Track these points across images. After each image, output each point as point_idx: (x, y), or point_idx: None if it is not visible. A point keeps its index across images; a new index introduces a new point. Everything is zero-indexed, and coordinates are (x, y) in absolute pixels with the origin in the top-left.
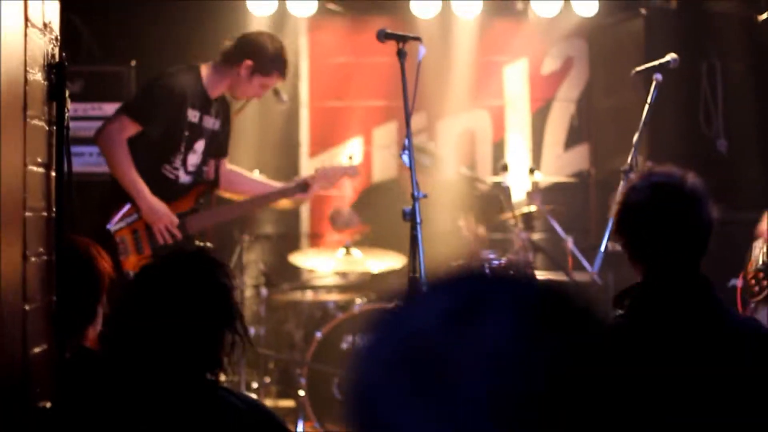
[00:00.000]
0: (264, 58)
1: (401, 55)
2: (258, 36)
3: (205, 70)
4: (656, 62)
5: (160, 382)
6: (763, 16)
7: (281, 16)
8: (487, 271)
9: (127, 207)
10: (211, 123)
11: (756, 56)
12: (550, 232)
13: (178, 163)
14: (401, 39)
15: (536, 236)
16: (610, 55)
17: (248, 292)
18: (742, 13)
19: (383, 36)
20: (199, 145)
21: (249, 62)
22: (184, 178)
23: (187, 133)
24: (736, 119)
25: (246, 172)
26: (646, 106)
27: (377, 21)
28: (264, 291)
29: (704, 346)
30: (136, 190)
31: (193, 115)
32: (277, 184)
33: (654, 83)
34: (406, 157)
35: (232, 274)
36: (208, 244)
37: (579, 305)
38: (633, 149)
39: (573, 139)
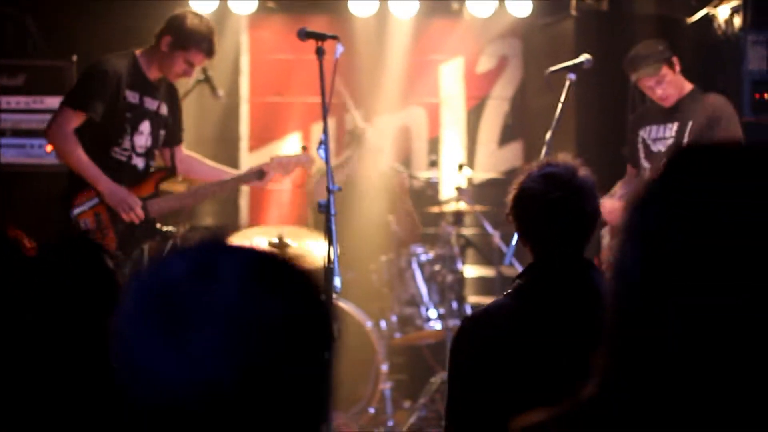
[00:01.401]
0: (182, 32)
1: (320, 53)
2: (180, 14)
3: (139, 53)
4: (570, 63)
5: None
6: (693, 18)
7: (222, 13)
8: (225, 240)
9: (86, 191)
10: (156, 105)
11: (685, 58)
12: (481, 227)
13: (126, 144)
14: (320, 38)
15: (467, 231)
16: (543, 55)
17: None
18: (671, 15)
19: (303, 35)
20: (145, 126)
21: (168, 37)
22: (135, 160)
23: (129, 114)
24: None
25: (202, 158)
26: (559, 105)
27: (316, 19)
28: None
29: (575, 321)
30: (93, 176)
31: (132, 96)
32: (233, 172)
33: (567, 83)
34: (322, 152)
35: (116, 259)
36: (171, 228)
37: (298, 273)
38: (545, 146)
39: (507, 136)
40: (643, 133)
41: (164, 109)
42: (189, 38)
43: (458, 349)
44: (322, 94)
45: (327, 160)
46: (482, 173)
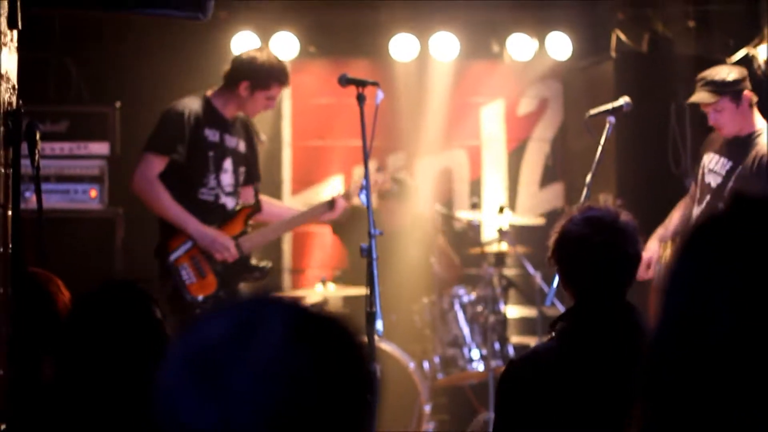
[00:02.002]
0: (259, 74)
1: (360, 99)
2: (248, 55)
3: (210, 93)
4: (609, 106)
5: (98, 421)
6: (732, 59)
7: None
8: (265, 295)
9: (179, 236)
10: (234, 143)
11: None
12: (522, 267)
13: (212, 183)
14: (360, 84)
15: (509, 272)
16: (584, 97)
17: None
18: (711, 56)
19: (344, 81)
20: (228, 164)
21: (246, 82)
22: (224, 199)
23: (211, 153)
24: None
25: (269, 198)
26: (599, 148)
27: (357, 63)
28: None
29: (621, 364)
30: (183, 221)
31: (212, 134)
32: (300, 209)
33: (607, 126)
34: (363, 197)
35: (160, 308)
36: (267, 263)
37: (339, 329)
38: (586, 188)
39: (548, 178)
40: (706, 159)
41: (242, 146)
42: (268, 77)
43: (505, 392)
44: (363, 139)
45: (369, 205)
46: (523, 215)
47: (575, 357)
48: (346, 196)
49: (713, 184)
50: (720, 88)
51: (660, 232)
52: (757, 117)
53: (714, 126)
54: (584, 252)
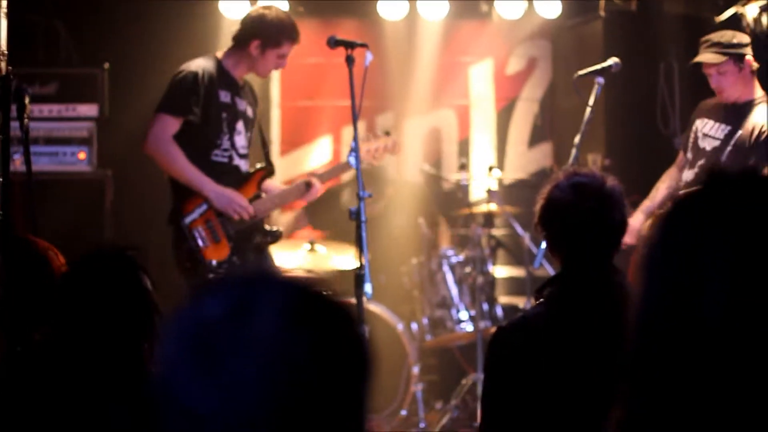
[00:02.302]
0: (269, 31)
1: (349, 61)
2: (257, 12)
3: (221, 55)
4: (598, 66)
5: (88, 387)
6: (721, 18)
7: None
8: (261, 274)
9: (194, 198)
10: (243, 106)
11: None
12: (511, 227)
13: (226, 144)
14: (349, 46)
15: (497, 232)
16: (573, 56)
17: None
18: (700, 14)
19: (333, 43)
20: (240, 126)
21: (256, 41)
22: (237, 161)
23: (224, 114)
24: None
25: None
26: (588, 109)
27: (345, 23)
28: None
29: (609, 330)
30: (198, 182)
31: (224, 96)
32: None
33: (595, 87)
34: (353, 159)
35: (150, 278)
36: (281, 228)
37: (334, 306)
38: (574, 149)
39: (536, 137)
40: (699, 123)
41: (250, 111)
42: (279, 34)
43: (495, 358)
44: (353, 102)
45: (358, 168)
46: (512, 174)
47: (564, 322)
48: (321, 177)
49: (708, 148)
50: (725, 49)
51: (646, 204)
52: (757, 85)
53: (715, 89)
54: (571, 218)
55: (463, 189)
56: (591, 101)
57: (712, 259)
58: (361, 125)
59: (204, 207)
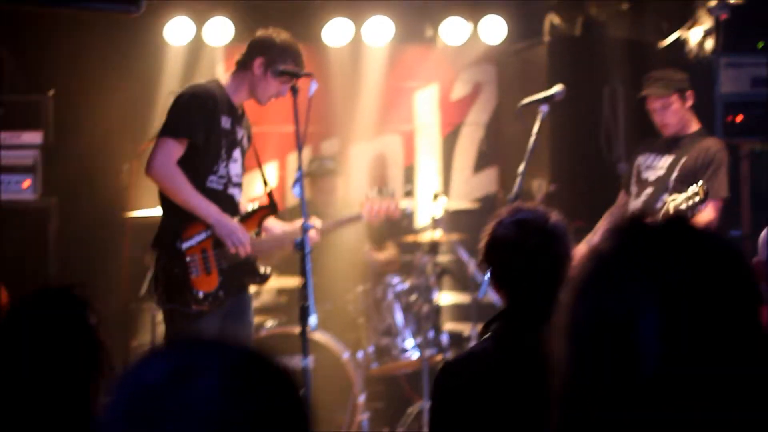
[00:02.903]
0: (274, 50)
1: (294, 91)
2: (264, 33)
3: (224, 79)
4: (541, 95)
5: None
6: (665, 43)
7: (197, 45)
8: (203, 339)
9: (196, 224)
10: (241, 134)
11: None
12: (456, 254)
13: (222, 171)
14: (294, 75)
15: (443, 258)
16: (518, 81)
17: (161, 316)
18: (643, 39)
19: (278, 73)
20: (237, 154)
21: (260, 59)
22: (232, 189)
23: (224, 141)
24: (636, 143)
25: None
26: (532, 137)
27: None
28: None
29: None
30: (205, 209)
31: (225, 121)
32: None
33: (540, 114)
34: (297, 189)
35: (96, 313)
36: (269, 270)
37: (276, 371)
38: (520, 178)
39: (482, 163)
40: (641, 159)
41: (246, 140)
42: (284, 54)
43: (441, 394)
44: (297, 131)
45: (302, 197)
46: (458, 200)
47: (510, 359)
48: (323, 229)
49: (652, 178)
50: (671, 84)
51: (589, 237)
52: (696, 119)
53: (659, 123)
54: (516, 256)
55: (408, 216)
56: (535, 129)
57: (644, 321)
58: (307, 151)
59: (204, 235)
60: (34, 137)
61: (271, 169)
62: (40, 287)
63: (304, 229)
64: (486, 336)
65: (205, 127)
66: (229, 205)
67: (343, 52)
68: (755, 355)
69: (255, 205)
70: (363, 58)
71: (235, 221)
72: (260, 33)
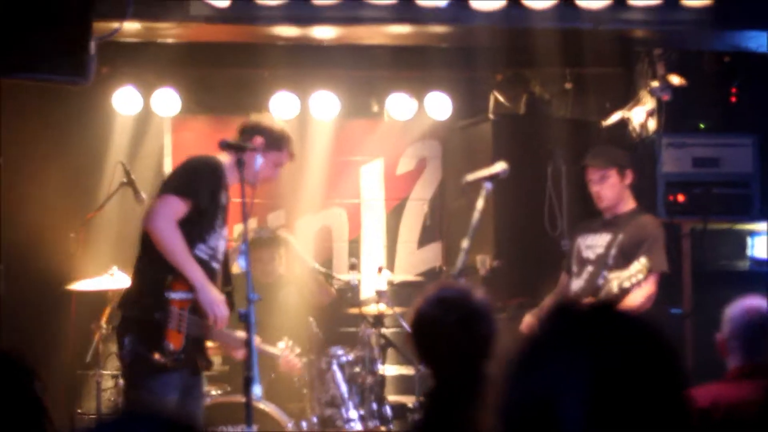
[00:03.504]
0: (274, 134)
1: (240, 164)
2: (261, 118)
3: (222, 159)
4: (486, 172)
5: None
6: (608, 122)
7: (146, 115)
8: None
9: (184, 282)
10: (226, 215)
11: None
12: (401, 327)
13: (212, 243)
14: (240, 149)
15: (387, 331)
16: (463, 157)
17: (107, 383)
18: (586, 118)
19: (225, 146)
20: (225, 232)
21: (260, 138)
22: (214, 264)
23: (219, 214)
24: (579, 220)
25: None
26: (476, 213)
27: (238, 120)
28: (121, 382)
29: None
30: (194, 272)
31: (224, 198)
32: None
33: (483, 191)
34: (242, 261)
35: (40, 382)
36: (212, 359)
37: None
38: (463, 254)
39: (426, 237)
40: (580, 240)
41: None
42: (282, 139)
43: None
44: (243, 205)
45: (248, 270)
46: (402, 274)
47: None
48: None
49: (593, 256)
50: (611, 158)
51: (535, 312)
52: (632, 198)
53: (595, 195)
54: (437, 332)
55: (353, 289)
56: (479, 205)
57: (566, 403)
58: (253, 223)
59: (187, 295)
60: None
61: None
62: None
63: (249, 300)
64: (418, 418)
65: (209, 194)
66: (212, 278)
67: (290, 124)
68: None
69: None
70: (309, 131)
71: (221, 297)
72: (256, 118)
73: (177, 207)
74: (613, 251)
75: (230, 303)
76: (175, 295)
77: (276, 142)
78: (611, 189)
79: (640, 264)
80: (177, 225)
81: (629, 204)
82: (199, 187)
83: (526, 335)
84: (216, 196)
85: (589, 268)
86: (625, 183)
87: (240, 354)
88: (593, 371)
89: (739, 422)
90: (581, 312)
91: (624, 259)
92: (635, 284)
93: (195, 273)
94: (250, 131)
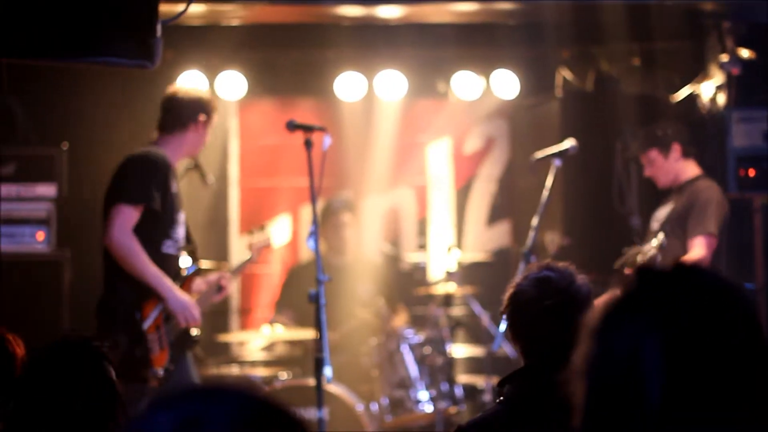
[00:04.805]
0: (209, 105)
1: (308, 144)
2: (188, 91)
3: (162, 143)
4: (554, 149)
5: None
6: (677, 97)
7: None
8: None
9: (151, 300)
10: (180, 197)
11: (679, 127)
12: (470, 307)
13: (177, 234)
14: (308, 129)
15: (456, 311)
16: (530, 135)
17: None
18: (655, 94)
19: (292, 127)
20: (182, 217)
21: (203, 115)
22: (178, 253)
23: (175, 204)
24: (649, 197)
25: None
26: (545, 191)
27: (304, 102)
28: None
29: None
30: (161, 286)
31: (174, 185)
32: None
33: (553, 169)
34: (312, 243)
35: (113, 365)
36: (198, 331)
37: (286, 418)
38: (533, 232)
39: (495, 216)
40: (654, 215)
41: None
42: (213, 107)
43: None
44: (311, 185)
45: (317, 251)
46: (471, 253)
47: (523, 423)
48: (233, 275)
49: (656, 228)
50: (651, 141)
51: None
52: (691, 167)
53: (650, 176)
54: (534, 314)
55: (421, 269)
56: (548, 183)
57: (647, 360)
58: (321, 204)
59: (157, 311)
60: (48, 190)
61: (284, 222)
62: (58, 339)
63: (319, 281)
64: (500, 399)
65: (160, 191)
66: (178, 270)
67: (356, 106)
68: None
69: (187, 268)
70: (375, 112)
71: (187, 296)
72: (180, 92)
73: (130, 215)
74: (671, 220)
75: (195, 260)
76: (149, 321)
77: (212, 112)
78: (660, 169)
79: (657, 240)
80: (133, 234)
81: (688, 173)
82: (147, 189)
83: (609, 297)
84: (167, 189)
85: (652, 240)
86: (673, 157)
87: (221, 295)
88: (671, 329)
89: None
90: (660, 271)
91: (680, 227)
92: (653, 257)
93: (160, 282)
94: (188, 115)
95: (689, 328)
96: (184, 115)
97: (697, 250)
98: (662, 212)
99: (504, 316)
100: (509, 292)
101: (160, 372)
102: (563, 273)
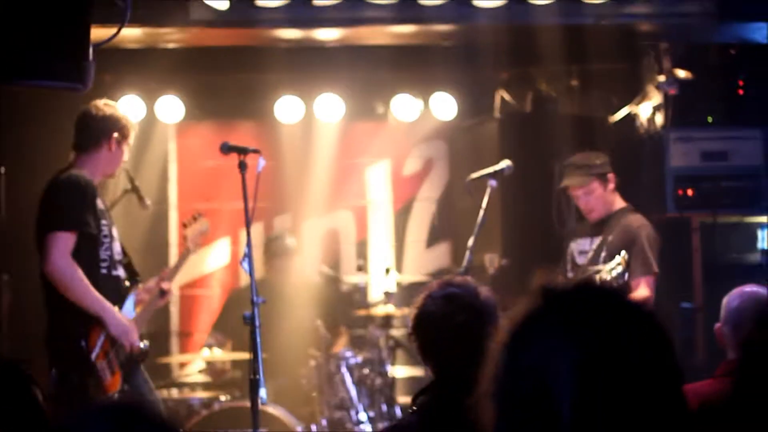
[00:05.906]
0: (122, 124)
1: (242, 166)
2: (101, 110)
3: (80, 164)
4: (490, 170)
5: None
6: (615, 118)
7: (150, 121)
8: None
9: (95, 328)
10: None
11: (608, 156)
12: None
13: (106, 255)
14: (242, 152)
15: (395, 332)
16: (469, 157)
17: None
18: (594, 114)
19: (226, 149)
20: (116, 232)
21: (116, 134)
22: (117, 270)
23: (104, 222)
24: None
25: None
26: (481, 211)
27: (243, 125)
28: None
29: None
30: (102, 310)
31: (101, 203)
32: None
33: (488, 189)
34: (246, 265)
35: (39, 388)
36: (147, 343)
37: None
38: (469, 252)
39: (434, 237)
40: (572, 245)
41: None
42: (128, 126)
43: None
44: (245, 207)
45: (251, 273)
46: (410, 274)
47: None
48: (171, 275)
49: (585, 261)
50: (590, 170)
51: None
52: (619, 198)
53: (584, 209)
54: (443, 331)
55: (361, 290)
56: (484, 204)
57: (557, 377)
58: (260, 227)
59: (102, 338)
60: None
61: (223, 245)
62: None
63: (254, 303)
64: (412, 408)
65: (91, 215)
66: (117, 287)
67: (295, 128)
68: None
69: (126, 285)
70: (314, 135)
71: (126, 318)
72: (93, 111)
73: (67, 241)
74: (602, 254)
75: (132, 272)
76: (96, 350)
77: (126, 131)
78: (598, 200)
79: (619, 257)
80: (73, 261)
81: (617, 204)
82: (80, 215)
83: (517, 313)
84: (95, 209)
85: (582, 273)
86: (609, 188)
87: (165, 300)
88: (579, 347)
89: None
90: (564, 291)
91: (612, 260)
92: (615, 278)
93: (101, 308)
94: (100, 135)
95: (597, 346)
96: (96, 134)
97: (642, 290)
98: (588, 245)
99: (414, 337)
100: (415, 311)
101: (114, 395)
102: (468, 288)
